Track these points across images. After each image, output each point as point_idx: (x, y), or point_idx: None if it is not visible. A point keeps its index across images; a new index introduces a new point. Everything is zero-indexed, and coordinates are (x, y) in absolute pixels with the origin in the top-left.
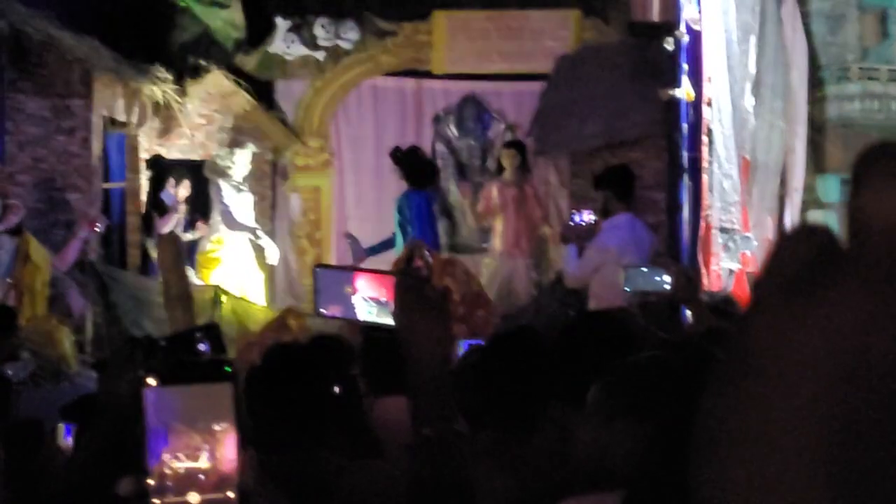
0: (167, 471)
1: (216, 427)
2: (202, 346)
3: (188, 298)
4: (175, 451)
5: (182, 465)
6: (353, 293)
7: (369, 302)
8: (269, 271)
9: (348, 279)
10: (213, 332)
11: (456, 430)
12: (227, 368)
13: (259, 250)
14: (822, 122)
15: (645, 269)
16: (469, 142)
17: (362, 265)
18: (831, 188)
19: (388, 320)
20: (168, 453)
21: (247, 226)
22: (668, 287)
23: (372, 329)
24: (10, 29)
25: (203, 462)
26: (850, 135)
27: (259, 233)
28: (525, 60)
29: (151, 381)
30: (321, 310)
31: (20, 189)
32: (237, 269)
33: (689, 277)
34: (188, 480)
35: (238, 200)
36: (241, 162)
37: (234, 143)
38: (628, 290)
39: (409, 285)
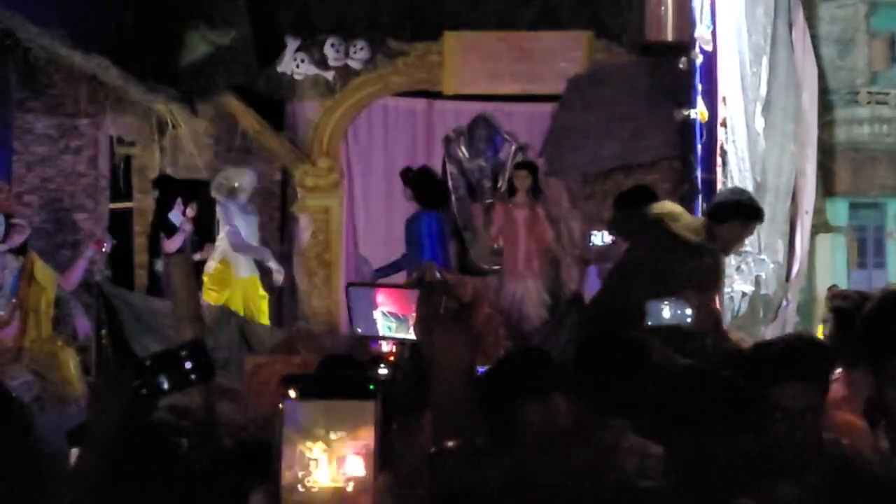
0: (300, 487)
1: (357, 442)
2: (188, 364)
3: (199, 320)
4: (309, 467)
5: (316, 481)
6: (375, 308)
7: (388, 317)
8: (278, 292)
9: (373, 296)
10: (197, 348)
11: (476, 445)
12: (371, 386)
13: (265, 271)
14: (830, 145)
15: (667, 303)
16: (480, 163)
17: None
18: (840, 211)
19: (407, 335)
20: (302, 469)
21: (253, 246)
22: (689, 320)
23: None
24: (19, 47)
25: (340, 480)
26: (859, 159)
27: (265, 254)
28: (536, 81)
29: (292, 393)
30: (357, 328)
31: (28, 209)
32: (243, 290)
33: (710, 309)
34: (322, 498)
35: (245, 221)
36: (248, 182)
37: (241, 162)
38: (651, 323)
39: (430, 299)
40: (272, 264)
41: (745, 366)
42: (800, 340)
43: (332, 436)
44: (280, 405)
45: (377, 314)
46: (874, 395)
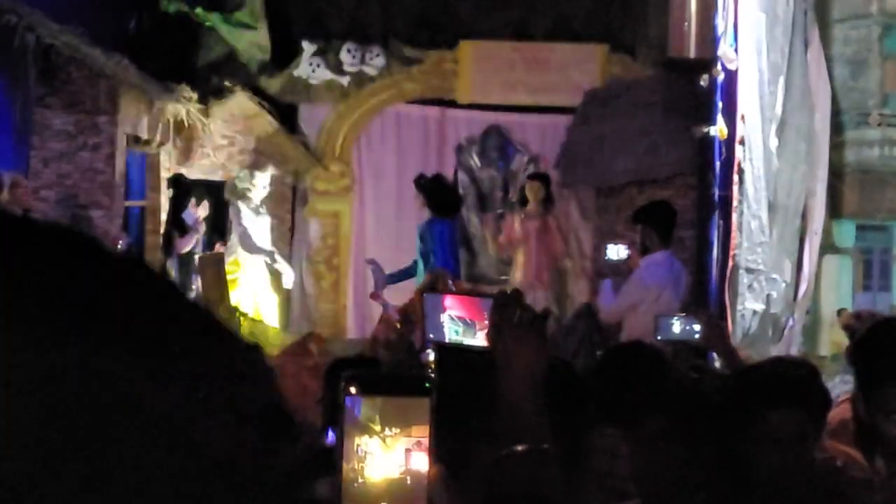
0: (360, 479)
1: (410, 439)
2: None
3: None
4: (369, 460)
5: (374, 473)
6: (443, 311)
7: (455, 321)
8: (286, 295)
9: (441, 301)
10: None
11: (546, 450)
12: (427, 384)
13: (275, 273)
14: (840, 166)
15: (675, 318)
16: (491, 172)
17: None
18: (847, 233)
19: (473, 340)
20: (361, 461)
21: (264, 248)
22: (698, 336)
23: (447, 350)
24: (39, 44)
25: (396, 472)
26: (868, 180)
27: (276, 256)
28: (550, 93)
29: (353, 389)
30: (430, 335)
31: (44, 205)
32: (252, 291)
33: (718, 326)
34: (379, 489)
35: (256, 223)
36: (261, 184)
37: (255, 165)
38: (659, 338)
39: (504, 305)
40: (282, 266)
41: (732, 391)
42: (784, 364)
43: (388, 431)
44: (342, 401)
45: (444, 317)
46: (866, 422)
